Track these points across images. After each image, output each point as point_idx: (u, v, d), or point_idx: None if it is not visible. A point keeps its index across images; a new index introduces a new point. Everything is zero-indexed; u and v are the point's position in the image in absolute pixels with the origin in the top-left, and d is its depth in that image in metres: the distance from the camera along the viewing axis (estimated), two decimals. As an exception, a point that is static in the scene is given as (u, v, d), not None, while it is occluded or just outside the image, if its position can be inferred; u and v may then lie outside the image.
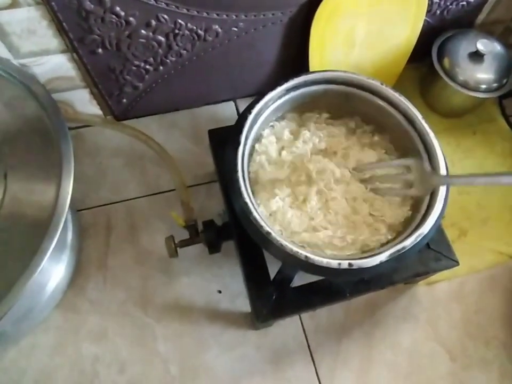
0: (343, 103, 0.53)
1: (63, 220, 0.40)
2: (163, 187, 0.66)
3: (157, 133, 0.68)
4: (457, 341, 0.59)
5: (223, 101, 0.73)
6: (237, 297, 0.59)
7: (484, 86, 0.66)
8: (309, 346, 0.57)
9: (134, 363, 0.55)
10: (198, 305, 0.59)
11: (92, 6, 0.48)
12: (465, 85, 0.66)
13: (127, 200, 0.65)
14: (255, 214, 0.42)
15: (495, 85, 0.66)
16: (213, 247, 0.53)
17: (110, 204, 0.64)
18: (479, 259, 0.64)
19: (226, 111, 0.72)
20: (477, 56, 0.65)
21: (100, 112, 0.68)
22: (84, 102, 0.65)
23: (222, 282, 0.60)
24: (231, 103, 0.73)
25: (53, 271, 0.55)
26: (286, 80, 0.49)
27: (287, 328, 0.58)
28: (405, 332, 0.59)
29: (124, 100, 0.65)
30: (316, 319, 0.59)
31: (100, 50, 0.54)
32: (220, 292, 0.60)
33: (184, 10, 0.52)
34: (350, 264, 0.40)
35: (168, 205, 0.64)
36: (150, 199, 0.65)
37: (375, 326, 0.59)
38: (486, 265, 0.63)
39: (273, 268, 0.49)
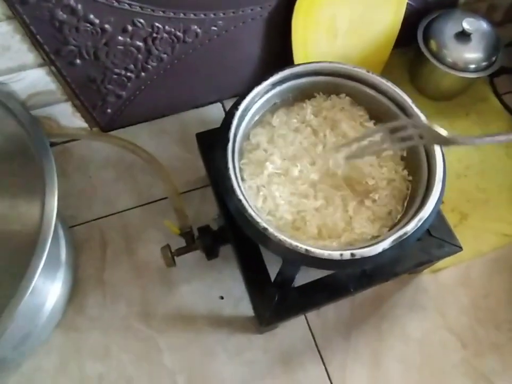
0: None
1: (50, 236, 0.39)
2: (156, 196, 0.64)
3: (146, 141, 0.67)
4: (467, 327, 0.58)
5: (210, 103, 0.71)
6: (240, 302, 0.58)
7: (473, 66, 0.65)
8: (317, 345, 0.56)
9: (141, 378, 0.54)
10: (201, 313, 0.58)
11: (65, 15, 0.47)
12: (454, 66, 0.65)
13: (120, 212, 0.63)
14: (250, 210, 0.40)
15: (484, 63, 0.65)
16: (210, 253, 0.52)
17: (103, 217, 0.63)
18: (483, 242, 0.62)
19: (214, 113, 0.71)
20: (463, 36, 0.64)
21: (85, 124, 0.66)
22: (67, 116, 0.63)
23: (223, 287, 0.59)
24: (219, 105, 0.72)
25: (49, 290, 0.54)
26: (271, 74, 0.48)
27: (294, 329, 0.57)
28: (413, 322, 0.58)
29: (108, 110, 0.64)
30: (322, 318, 0.57)
31: (78, 61, 0.53)
32: (222, 297, 0.58)
33: (160, 13, 0.51)
34: (352, 254, 0.39)
35: (162, 214, 0.63)
36: (143, 209, 0.64)
37: (383, 319, 0.58)
38: (491, 248, 0.62)
39: (273, 269, 0.48)
